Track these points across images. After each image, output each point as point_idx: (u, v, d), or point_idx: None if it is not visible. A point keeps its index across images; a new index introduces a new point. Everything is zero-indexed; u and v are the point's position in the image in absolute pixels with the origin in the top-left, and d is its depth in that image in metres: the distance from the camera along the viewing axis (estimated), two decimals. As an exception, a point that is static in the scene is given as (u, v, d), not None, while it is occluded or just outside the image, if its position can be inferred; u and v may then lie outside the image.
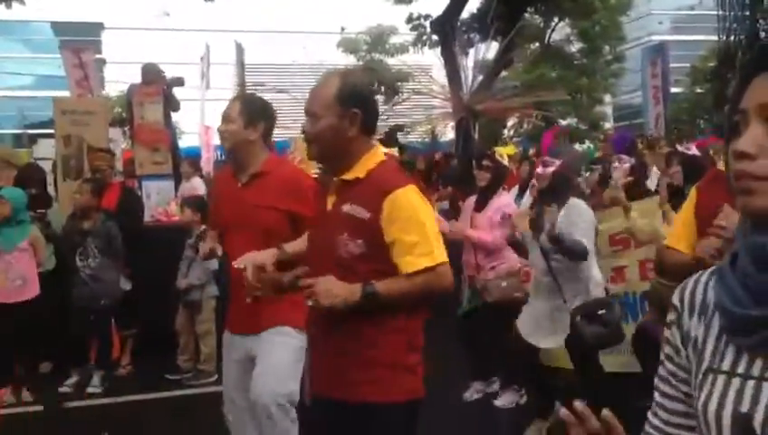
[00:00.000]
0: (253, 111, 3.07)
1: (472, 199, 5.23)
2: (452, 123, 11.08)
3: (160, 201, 7.48)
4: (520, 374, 4.87)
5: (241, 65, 13.07)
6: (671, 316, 1.09)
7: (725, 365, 0.98)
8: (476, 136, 10.25)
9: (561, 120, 23.78)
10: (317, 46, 36.80)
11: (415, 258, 2.15)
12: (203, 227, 5.74)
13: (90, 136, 6.84)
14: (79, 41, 44.68)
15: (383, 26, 26.96)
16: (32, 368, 5.70)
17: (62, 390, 5.59)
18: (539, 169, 3.93)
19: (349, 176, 2.27)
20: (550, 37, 25.72)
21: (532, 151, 11.13)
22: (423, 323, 2.33)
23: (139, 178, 7.72)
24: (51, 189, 7.07)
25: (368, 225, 2.17)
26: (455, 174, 9.12)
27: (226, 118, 3.10)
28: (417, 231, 2.17)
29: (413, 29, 16.04)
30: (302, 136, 2.51)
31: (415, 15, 15.52)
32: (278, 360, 2.94)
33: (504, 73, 16.65)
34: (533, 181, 4.52)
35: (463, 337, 5.31)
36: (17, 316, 5.24)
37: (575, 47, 27.05)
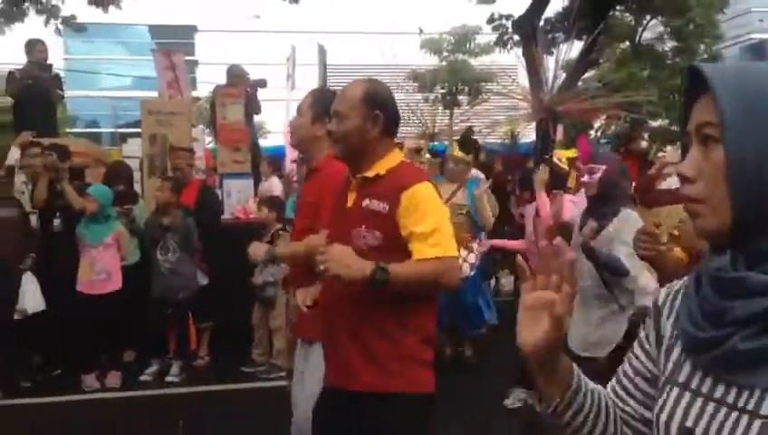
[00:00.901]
0: (322, 107, 3.03)
1: (533, 206, 5.20)
2: (532, 125, 10.93)
3: (240, 199, 7.72)
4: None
5: (323, 66, 13.25)
6: (652, 316, 1.12)
7: (681, 378, 1.01)
8: (558, 138, 10.06)
9: (651, 122, 23.03)
10: (401, 47, 36.98)
11: (427, 247, 2.24)
12: (278, 225, 5.90)
13: (173, 135, 7.13)
14: (173, 43, 46.62)
15: (467, 26, 26.79)
16: (116, 356, 6.00)
17: (143, 378, 5.85)
18: (585, 178, 3.76)
19: (369, 173, 2.39)
20: (641, 36, 24.96)
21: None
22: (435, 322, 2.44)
23: (220, 175, 7.99)
24: (137, 186, 7.41)
25: (386, 217, 2.28)
26: (530, 177, 8.98)
27: (298, 111, 3.18)
28: (432, 223, 2.26)
29: (494, 29, 15.86)
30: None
31: (496, 15, 15.34)
32: None
33: (590, 73, 16.27)
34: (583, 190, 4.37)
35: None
36: (102, 307, 5.54)
37: (668, 46, 26.12)
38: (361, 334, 2.32)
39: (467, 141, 7.83)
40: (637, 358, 1.14)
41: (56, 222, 5.78)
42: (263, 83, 8.43)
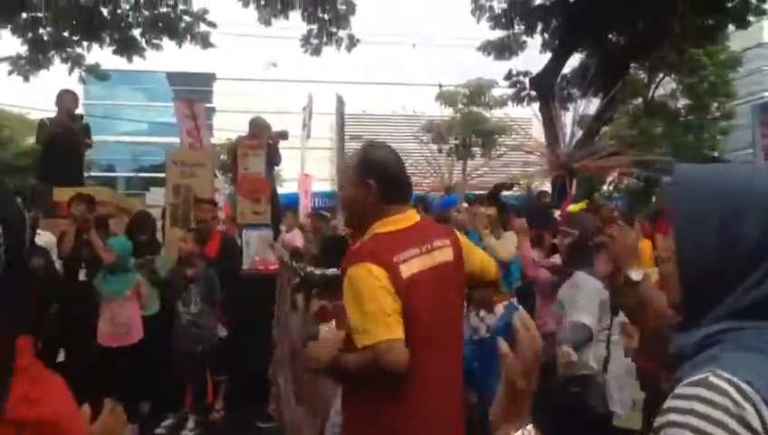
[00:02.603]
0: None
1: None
2: (548, 180, 10.99)
3: (259, 250, 7.73)
4: None
5: (341, 117, 13.41)
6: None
7: None
8: (573, 192, 10.12)
9: (664, 178, 23.08)
10: (417, 98, 37.44)
11: (358, 336, 2.19)
12: (297, 279, 5.90)
13: (197, 186, 7.20)
14: (192, 90, 47.43)
15: (483, 79, 27.18)
16: (132, 407, 5.95)
17: (159, 431, 5.79)
18: (557, 240, 3.99)
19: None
20: (654, 92, 25.21)
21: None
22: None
23: (239, 226, 8.02)
24: (158, 235, 7.45)
25: None
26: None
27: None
28: (357, 309, 2.20)
29: (511, 86, 16.10)
30: None
31: (514, 72, 15.60)
32: None
33: (604, 129, 16.41)
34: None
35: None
36: (121, 359, 5.51)
37: (680, 103, 26.35)
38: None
39: (495, 196, 7.82)
40: None
41: (82, 272, 5.81)
42: (284, 135, 8.54)
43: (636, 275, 2.19)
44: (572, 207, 6.56)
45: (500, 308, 5.69)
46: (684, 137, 25.87)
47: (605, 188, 25.43)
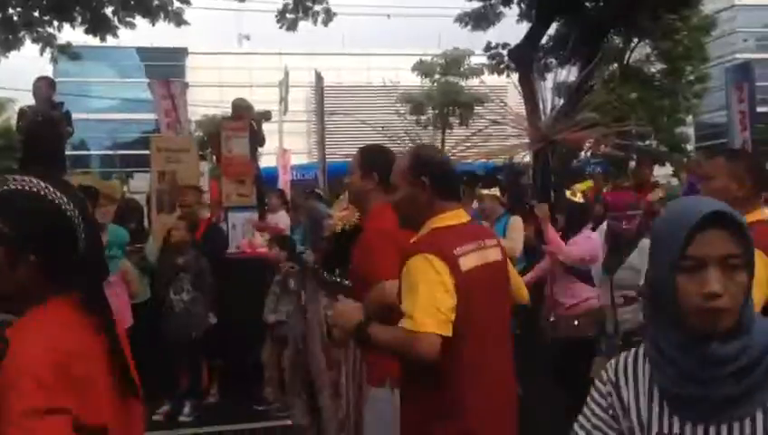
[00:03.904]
0: (369, 163, 3.15)
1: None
2: (529, 153, 11.01)
3: (245, 232, 7.74)
4: None
5: (320, 93, 13.33)
6: (607, 387, 1.47)
7: (675, 429, 1.37)
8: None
9: (639, 143, 23.26)
10: (392, 68, 37.20)
11: (406, 320, 2.23)
12: (289, 264, 5.93)
13: (182, 172, 7.16)
14: (163, 66, 46.70)
15: (459, 49, 27.07)
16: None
17: (155, 418, 5.83)
18: (624, 224, 4.13)
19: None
20: (629, 58, 25.26)
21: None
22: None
23: (225, 209, 8.00)
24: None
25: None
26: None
27: (348, 171, 3.28)
28: (410, 296, 2.26)
29: (491, 58, 16.05)
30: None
31: (493, 44, 15.54)
32: None
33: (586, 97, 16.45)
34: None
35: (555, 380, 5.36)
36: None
37: (655, 68, 26.45)
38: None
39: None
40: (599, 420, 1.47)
41: None
42: (268, 116, 8.51)
43: None
44: (577, 186, 6.60)
45: None
46: (660, 101, 26.03)
47: (582, 155, 25.59)
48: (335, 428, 4.42)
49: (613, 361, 1.50)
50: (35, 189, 1.43)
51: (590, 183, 7.63)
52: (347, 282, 4.55)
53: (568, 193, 5.58)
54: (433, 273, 2.24)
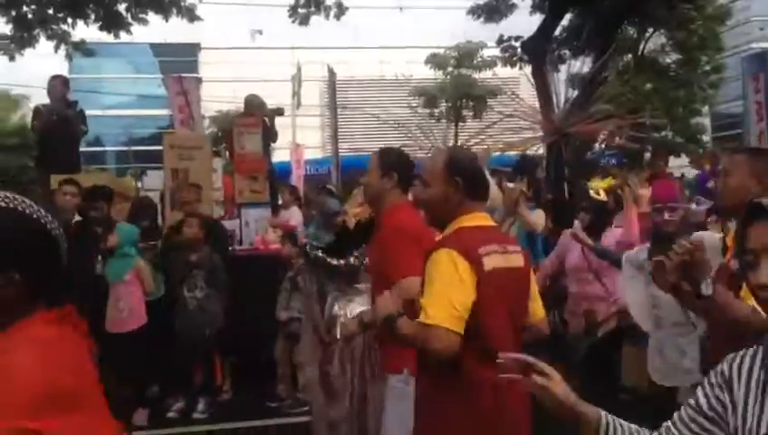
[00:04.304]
0: (387, 163, 3.24)
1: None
2: (543, 146, 10.96)
3: (258, 228, 7.76)
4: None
5: (332, 89, 13.32)
6: (719, 379, 1.44)
7: None
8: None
9: (655, 134, 23.06)
10: (405, 61, 37.06)
11: (422, 312, 2.30)
12: (302, 260, 5.93)
13: (195, 169, 7.19)
14: (176, 61, 46.79)
15: (472, 42, 26.94)
16: (141, 391, 6.00)
17: (170, 415, 5.86)
18: (666, 216, 4.09)
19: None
20: (644, 48, 25.04)
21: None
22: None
23: (237, 205, 8.03)
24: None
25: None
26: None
27: (368, 172, 3.33)
28: (428, 289, 2.35)
29: (503, 51, 15.96)
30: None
31: (505, 37, 15.46)
32: None
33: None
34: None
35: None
36: (124, 345, 5.52)
37: (671, 58, 26.19)
38: None
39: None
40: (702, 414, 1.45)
41: (98, 266, 5.74)
42: (281, 112, 8.51)
43: (705, 288, 2.16)
44: (600, 184, 6.57)
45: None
46: (675, 92, 25.78)
47: (597, 147, 25.43)
48: (325, 427, 4.45)
49: (730, 356, 1.49)
50: (20, 208, 1.45)
51: (611, 180, 7.52)
52: (346, 261, 4.60)
53: (591, 192, 5.56)
54: (452, 268, 2.30)
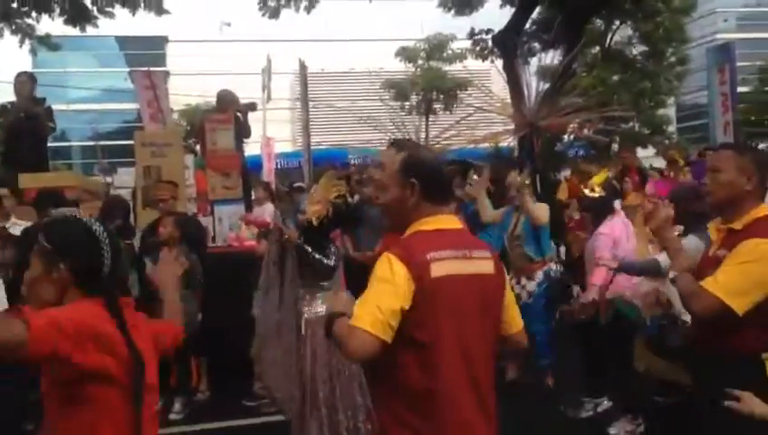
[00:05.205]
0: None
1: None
2: (515, 139, 11.01)
3: (232, 226, 7.68)
4: (635, 401, 5.05)
5: (304, 82, 13.21)
6: None
7: None
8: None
9: (622, 125, 23.33)
10: (375, 54, 36.96)
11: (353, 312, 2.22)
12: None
13: (167, 166, 7.09)
14: (143, 54, 46.17)
15: (442, 35, 26.97)
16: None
17: (146, 416, 5.79)
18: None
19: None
20: (611, 40, 25.29)
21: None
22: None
23: (210, 202, 7.94)
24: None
25: None
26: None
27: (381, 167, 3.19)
28: (365, 293, 2.23)
29: (474, 44, 16.03)
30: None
31: (477, 30, 15.53)
32: None
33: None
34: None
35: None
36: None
37: (637, 50, 26.51)
38: None
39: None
40: None
41: None
42: (253, 107, 8.43)
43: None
44: (596, 178, 6.65)
45: (539, 275, 5.93)
46: (641, 83, 26.11)
47: (565, 138, 25.64)
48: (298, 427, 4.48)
49: None
50: (74, 215, 1.83)
51: (605, 174, 7.62)
52: (330, 262, 4.61)
53: (587, 191, 5.64)
54: (388, 273, 2.19)
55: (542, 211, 6.01)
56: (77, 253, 2.08)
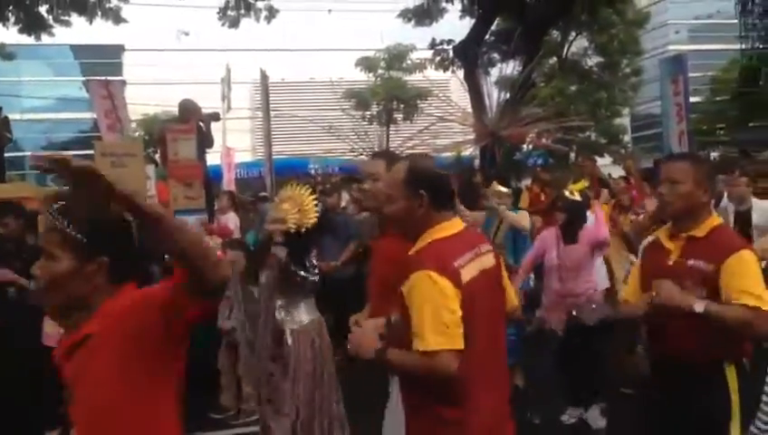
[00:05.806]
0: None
1: (551, 232, 5.57)
2: (476, 149, 11.15)
3: (195, 236, 7.59)
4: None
5: (266, 92, 13.15)
6: None
7: None
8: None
9: (579, 134, 23.74)
10: (336, 63, 36.99)
11: (417, 339, 2.25)
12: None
13: (128, 176, 6.96)
14: (99, 63, 45.43)
15: (402, 45, 27.15)
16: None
17: (110, 430, 5.67)
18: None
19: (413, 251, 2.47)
20: (568, 51, 25.77)
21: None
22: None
23: (173, 212, 7.83)
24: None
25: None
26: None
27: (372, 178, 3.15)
28: (418, 316, 2.25)
29: (436, 54, 16.16)
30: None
31: (438, 41, 15.66)
32: None
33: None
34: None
35: (559, 363, 5.62)
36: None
37: (593, 61, 27.07)
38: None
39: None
40: None
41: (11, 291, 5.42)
42: (216, 117, 8.34)
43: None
44: (573, 187, 6.79)
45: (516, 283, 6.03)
46: (597, 94, 26.66)
47: (525, 148, 25.97)
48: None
49: None
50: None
51: (585, 182, 7.81)
52: (314, 278, 4.56)
53: (566, 192, 5.78)
54: (437, 291, 2.24)
55: (522, 219, 6.14)
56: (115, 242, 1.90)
